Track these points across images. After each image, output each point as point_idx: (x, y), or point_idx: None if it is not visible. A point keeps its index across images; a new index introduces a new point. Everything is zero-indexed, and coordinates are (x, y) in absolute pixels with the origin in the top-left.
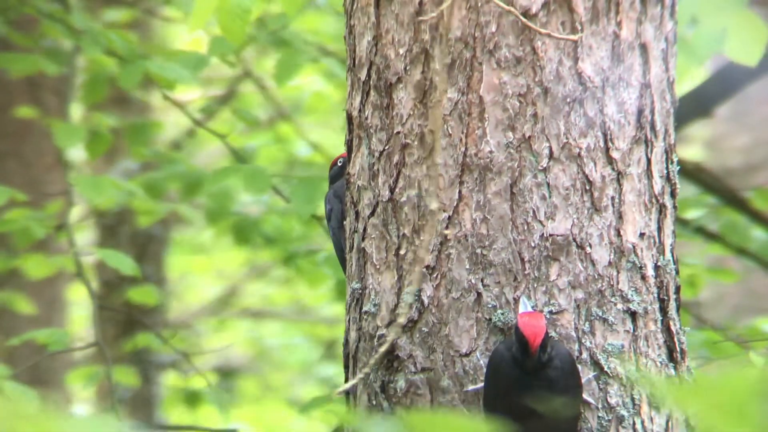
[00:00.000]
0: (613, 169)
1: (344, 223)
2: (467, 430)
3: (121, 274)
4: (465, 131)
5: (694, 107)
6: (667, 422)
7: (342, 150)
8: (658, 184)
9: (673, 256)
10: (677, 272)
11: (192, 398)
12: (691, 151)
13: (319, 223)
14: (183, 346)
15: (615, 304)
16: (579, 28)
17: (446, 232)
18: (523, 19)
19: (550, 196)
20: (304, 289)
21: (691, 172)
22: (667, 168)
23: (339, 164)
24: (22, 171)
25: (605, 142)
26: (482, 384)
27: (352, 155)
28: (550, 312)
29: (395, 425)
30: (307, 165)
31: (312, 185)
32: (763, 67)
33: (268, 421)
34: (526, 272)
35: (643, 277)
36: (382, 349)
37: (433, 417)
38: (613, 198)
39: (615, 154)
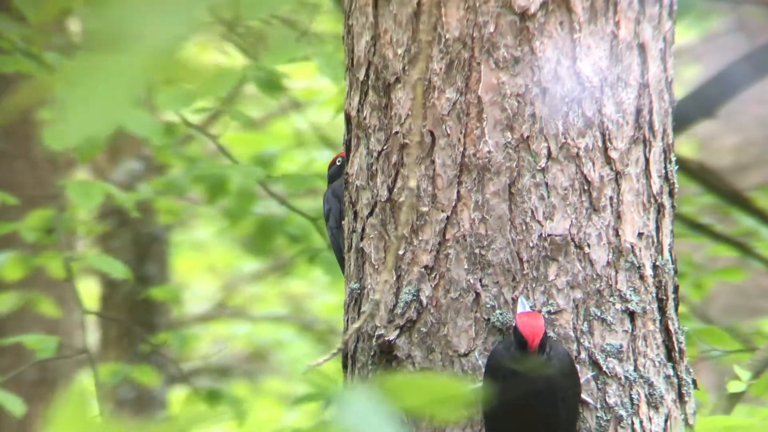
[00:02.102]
0: (611, 169)
1: (342, 223)
2: (441, 389)
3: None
4: (463, 131)
5: (696, 108)
6: (666, 422)
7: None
8: (656, 183)
9: (671, 255)
10: (676, 272)
11: (212, 397)
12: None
13: (313, 223)
14: (178, 349)
15: (613, 304)
16: (577, 27)
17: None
18: None
19: (548, 196)
20: (302, 290)
21: (695, 172)
22: (665, 168)
23: (338, 164)
24: (29, 171)
25: (603, 142)
26: (481, 384)
27: (351, 155)
28: (549, 312)
29: (373, 390)
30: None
31: (303, 184)
32: (766, 67)
33: (257, 421)
34: (524, 272)
35: (642, 277)
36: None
37: (409, 380)
38: (611, 198)
39: (613, 154)
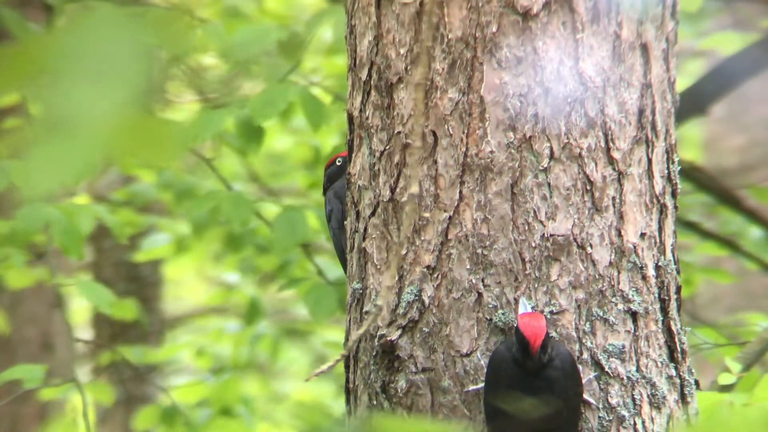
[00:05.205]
0: (614, 169)
1: (345, 223)
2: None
3: (117, 273)
4: (466, 131)
5: (690, 105)
6: (668, 422)
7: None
8: (659, 184)
9: (674, 256)
10: (678, 272)
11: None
12: (688, 152)
13: (304, 251)
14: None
15: (616, 305)
16: (580, 27)
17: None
18: None
19: (550, 197)
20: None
21: (686, 171)
22: (668, 168)
23: (338, 163)
24: None
25: (606, 142)
26: (483, 384)
27: (353, 155)
28: (551, 312)
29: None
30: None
31: (296, 216)
32: (759, 64)
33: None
34: (526, 272)
35: (644, 278)
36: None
37: (398, 422)
38: (614, 198)
39: (616, 154)
